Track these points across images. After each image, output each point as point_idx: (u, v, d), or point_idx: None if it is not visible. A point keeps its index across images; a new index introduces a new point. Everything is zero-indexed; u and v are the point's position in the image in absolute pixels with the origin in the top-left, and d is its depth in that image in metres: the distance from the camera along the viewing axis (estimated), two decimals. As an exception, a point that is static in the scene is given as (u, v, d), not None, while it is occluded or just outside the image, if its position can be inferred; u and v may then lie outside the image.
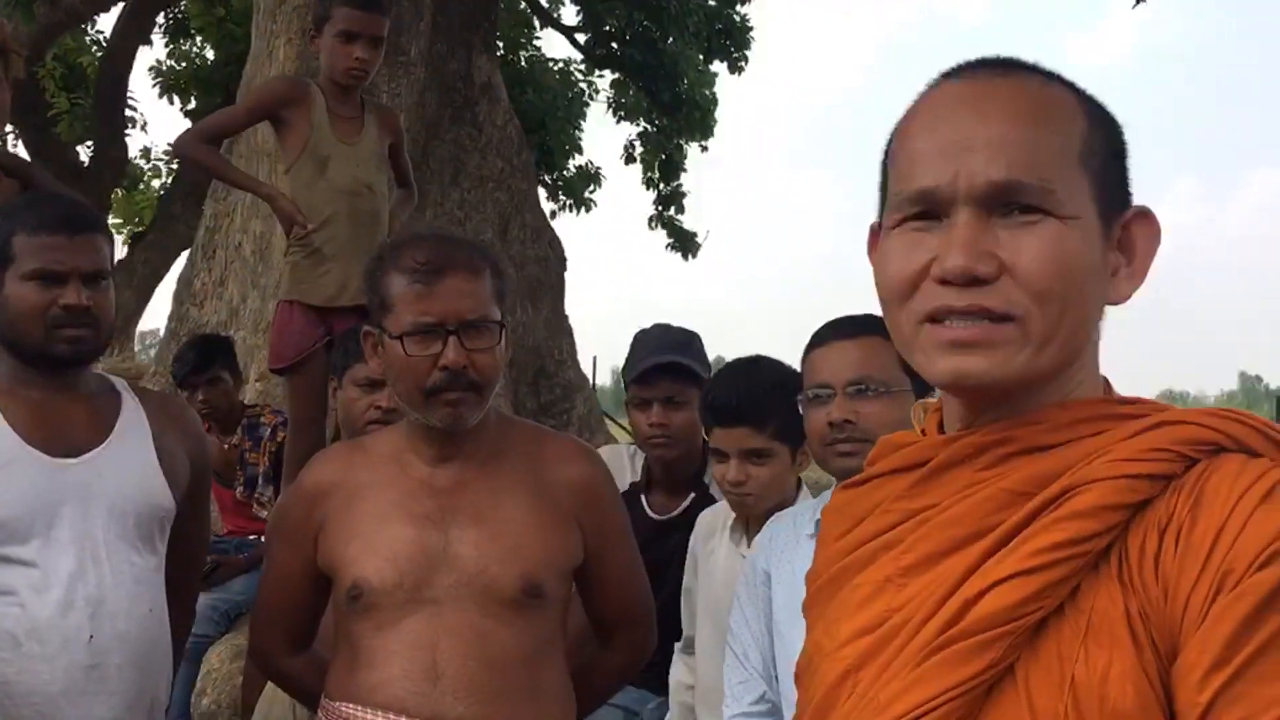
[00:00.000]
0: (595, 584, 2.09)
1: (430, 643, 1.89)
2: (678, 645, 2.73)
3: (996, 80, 1.01)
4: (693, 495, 2.96)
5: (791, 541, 2.11)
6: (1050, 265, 0.94)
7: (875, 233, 1.11)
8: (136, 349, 13.10)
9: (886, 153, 1.08)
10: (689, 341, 3.06)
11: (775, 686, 2.09)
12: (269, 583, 2.16)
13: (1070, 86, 1.02)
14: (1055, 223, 0.95)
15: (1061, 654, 0.90)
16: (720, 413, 2.44)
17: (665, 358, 2.93)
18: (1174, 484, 0.91)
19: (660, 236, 14.50)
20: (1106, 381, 1.06)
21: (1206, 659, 0.84)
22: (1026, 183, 0.95)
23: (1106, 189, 0.99)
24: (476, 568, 1.92)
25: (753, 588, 2.16)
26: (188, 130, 3.80)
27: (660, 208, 14.43)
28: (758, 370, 2.50)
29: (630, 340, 3.10)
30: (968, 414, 1.05)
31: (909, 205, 1.00)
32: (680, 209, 14.44)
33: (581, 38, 13.09)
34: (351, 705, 1.92)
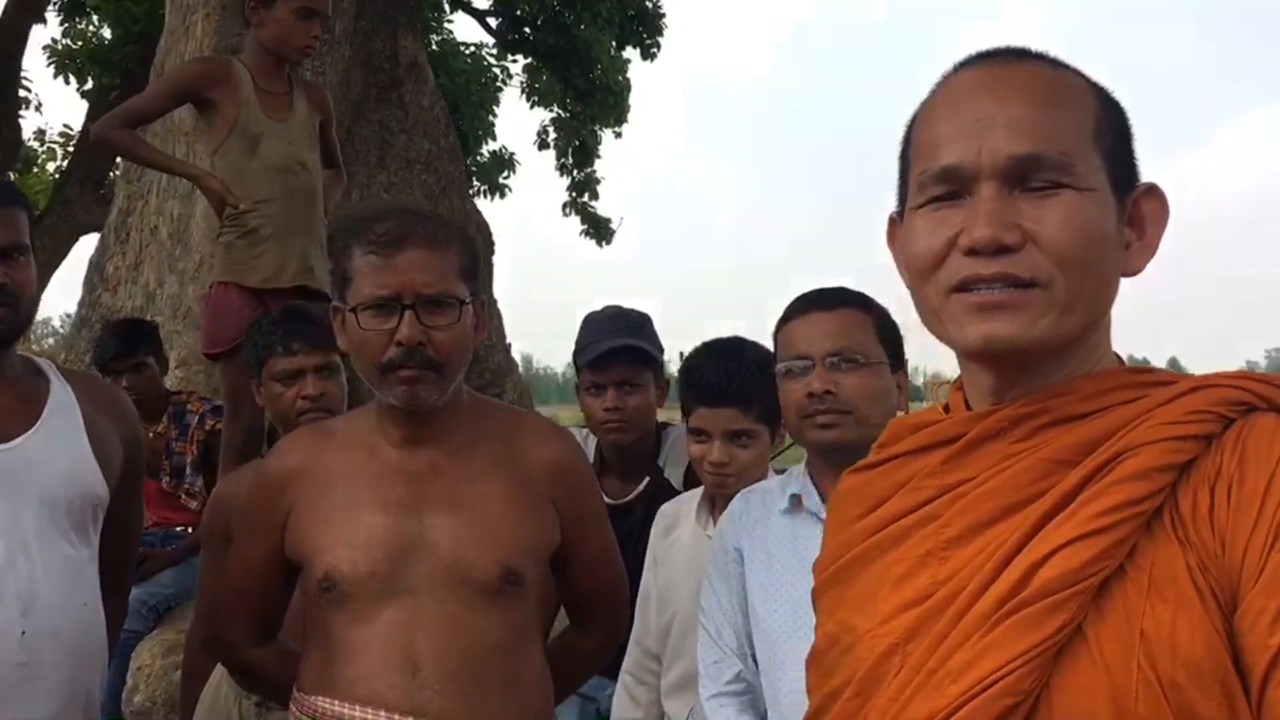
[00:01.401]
0: (572, 566, 2.04)
1: (407, 634, 1.84)
2: (624, 669, 2.66)
3: (1012, 66, 1.07)
4: (648, 479, 2.92)
5: (763, 518, 2.09)
6: (1073, 232, 1.00)
7: (894, 223, 1.18)
8: (32, 336, 12.65)
9: (905, 144, 1.14)
10: (642, 323, 3.00)
11: (750, 664, 2.07)
12: (233, 572, 2.08)
13: (1079, 73, 1.09)
14: (1074, 194, 1.01)
15: (1129, 611, 0.94)
16: (708, 393, 2.40)
17: (620, 341, 2.87)
18: (1215, 443, 0.97)
19: (575, 223, 14.47)
20: (1116, 353, 1.12)
21: (1274, 604, 0.89)
22: (1047, 155, 1.01)
23: (1117, 166, 1.06)
24: (453, 555, 1.87)
25: (723, 565, 2.13)
26: (107, 115, 3.66)
27: (574, 194, 14.37)
28: (743, 351, 2.47)
29: (581, 322, 3.03)
30: (998, 387, 1.09)
31: (934, 184, 1.05)
32: (595, 195, 14.41)
33: (493, 22, 12.95)
34: (328, 699, 1.85)
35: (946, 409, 1.18)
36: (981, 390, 1.12)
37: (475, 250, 2.01)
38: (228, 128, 3.49)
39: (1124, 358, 1.14)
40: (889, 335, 2.06)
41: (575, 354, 3.00)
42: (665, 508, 2.65)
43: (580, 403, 3.00)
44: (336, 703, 1.84)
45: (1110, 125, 1.07)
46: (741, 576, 2.09)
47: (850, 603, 1.13)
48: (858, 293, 2.09)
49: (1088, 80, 1.09)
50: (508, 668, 1.89)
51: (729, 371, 2.39)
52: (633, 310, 3.06)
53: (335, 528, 1.89)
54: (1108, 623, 0.95)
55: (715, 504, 2.50)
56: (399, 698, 1.81)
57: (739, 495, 2.23)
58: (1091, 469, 0.99)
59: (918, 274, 1.08)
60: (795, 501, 2.06)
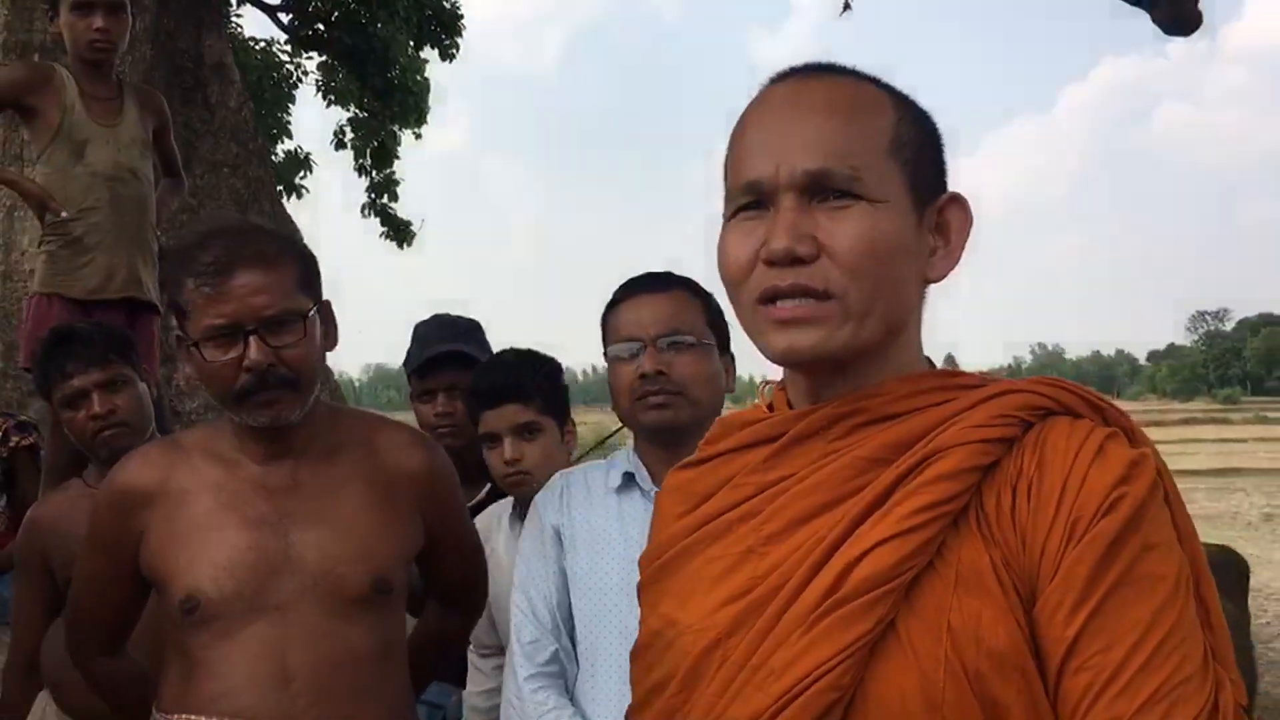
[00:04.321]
0: (440, 562, 2.08)
1: (278, 648, 1.83)
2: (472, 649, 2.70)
3: (812, 81, 1.13)
4: (489, 485, 2.95)
5: (585, 499, 2.13)
6: (863, 245, 1.05)
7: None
8: None
9: (726, 157, 1.18)
10: (470, 330, 3.07)
11: (565, 643, 2.08)
12: (82, 588, 2.04)
13: (881, 85, 1.14)
14: (866, 206, 1.06)
15: (938, 605, 0.99)
16: (485, 394, 2.50)
17: (447, 347, 2.93)
18: (1017, 445, 1.03)
19: (374, 224, 14.21)
20: (928, 357, 1.19)
21: (1070, 598, 0.96)
22: (836, 171, 1.06)
23: (919, 176, 1.11)
24: (322, 570, 1.87)
25: (540, 544, 2.15)
26: None
27: (373, 195, 14.11)
28: (515, 354, 2.61)
29: (411, 332, 3.06)
30: (814, 390, 1.14)
31: (741, 196, 1.11)
32: (394, 197, 14.18)
33: (285, 18, 12.57)
34: (191, 716, 1.83)
35: (770, 408, 1.22)
36: (800, 392, 1.16)
37: (310, 258, 1.98)
38: (51, 134, 3.39)
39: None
40: (716, 318, 2.10)
41: (405, 363, 3.04)
42: (477, 521, 2.66)
43: (414, 411, 3.02)
44: (201, 719, 1.82)
45: (912, 137, 1.11)
46: (559, 556, 2.11)
47: (673, 597, 1.16)
48: (684, 277, 2.14)
49: (891, 93, 1.13)
50: (379, 676, 1.91)
51: (503, 371, 2.51)
52: (460, 318, 3.11)
53: (196, 547, 1.86)
54: (918, 617, 0.99)
55: (525, 511, 2.54)
56: (271, 711, 1.80)
57: (558, 475, 2.26)
58: (904, 469, 1.04)
59: (730, 284, 1.12)
60: (627, 480, 2.09)
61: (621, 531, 2.05)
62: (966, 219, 1.14)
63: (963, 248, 1.13)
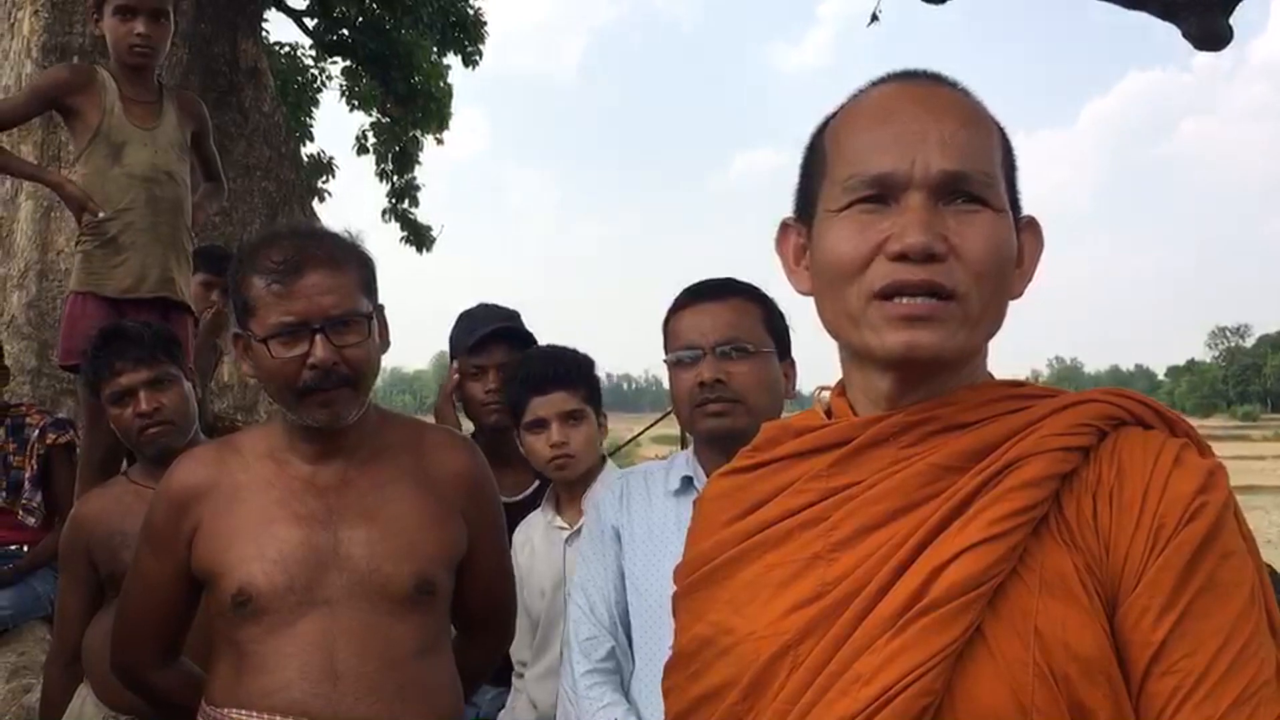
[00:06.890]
0: (469, 575, 2.07)
1: (327, 643, 1.86)
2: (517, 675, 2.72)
3: (937, 86, 1.13)
4: (537, 483, 2.98)
5: (644, 500, 2.16)
6: (991, 249, 1.07)
7: (788, 229, 1.19)
8: None
9: (816, 151, 1.16)
10: (515, 315, 3.16)
11: (621, 640, 2.10)
12: (136, 594, 2.06)
13: (983, 103, 1.15)
14: (992, 213, 1.08)
15: (1024, 609, 1.00)
16: (538, 381, 2.61)
17: (500, 324, 3.02)
18: (1093, 454, 1.05)
19: (394, 229, 14.25)
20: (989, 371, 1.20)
21: (1157, 602, 0.98)
22: (973, 175, 1.07)
23: (1013, 194, 1.13)
24: (369, 567, 1.89)
25: (599, 543, 2.17)
26: None
27: (394, 200, 14.15)
28: (558, 348, 2.74)
29: (456, 319, 3.14)
30: (896, 394, 1.12)
31: (862, 188, 1.08)
32: (414, 202, 14.22)
33: (310, 23, 12.64)
34: (242, 711, 1.85)
35: (828, 413, 1.20)
36: (875, 397, 1.14)
37: (371, 262, 2.02)
38: (90, 135, 3.44)
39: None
40: (776, 324, 2.13)
41: (454, 345, 3.10)
42: (520, 527, 2.73)
43: (462, 392, 3.09)
44: (253, 714, 1.84)
45: (1007, 156, 1.14)
46: (618, 555, 2.14)
47: (724, 605, 1.13)
48: (745, 283, 2.16)
49: (989, 111, 1.15)
50: (424, 674, 1.93)
51: (552, 360, 2.64)
52: (504, 306, 3.20)
53: (247, 543, 1.89)
54: (1004, 622, 1.00)
55: (560, 499, 2.66)
56: (321, 707, 1.82)
57: (618, 477, 2.30)
58: (985, 477, 1.05)
59: (839, 276, 1.09)
60: (685, 483, 2.12)
61: (679, 533, 2.03)
62: (1039, 243, 1.16)
63: (1035, 269, 1.15)
